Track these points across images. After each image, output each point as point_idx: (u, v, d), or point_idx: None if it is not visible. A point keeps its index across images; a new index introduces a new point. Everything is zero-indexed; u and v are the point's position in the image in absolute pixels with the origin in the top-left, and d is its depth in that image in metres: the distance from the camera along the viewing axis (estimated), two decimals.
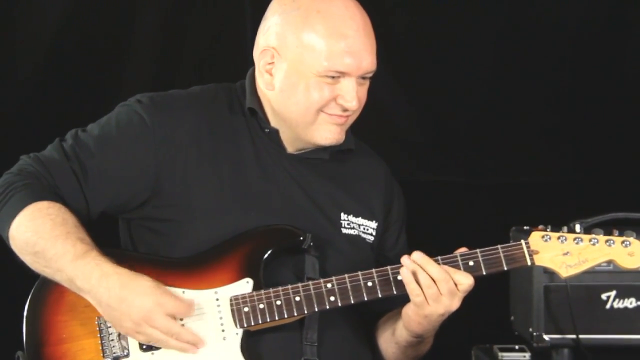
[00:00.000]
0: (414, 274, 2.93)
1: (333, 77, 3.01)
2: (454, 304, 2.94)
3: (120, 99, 3.14)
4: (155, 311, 2.88)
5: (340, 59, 2.99)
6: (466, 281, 2.94)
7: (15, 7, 4.48)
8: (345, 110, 3.05)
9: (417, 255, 2.96)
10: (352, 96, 3.02)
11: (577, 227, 3.03)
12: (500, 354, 3.94)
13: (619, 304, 3.83)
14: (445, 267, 2.95)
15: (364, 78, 3.06)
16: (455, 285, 2.93)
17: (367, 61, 3.03)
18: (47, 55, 4.53)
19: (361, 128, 3.21)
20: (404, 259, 2.95)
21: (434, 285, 2.93)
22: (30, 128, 4.36)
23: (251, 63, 3.14)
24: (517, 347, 3.96)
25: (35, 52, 4.52)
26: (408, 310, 2.99)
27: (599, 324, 3.84)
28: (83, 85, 4.52)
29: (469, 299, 3.01)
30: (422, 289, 2.93)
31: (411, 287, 2.94)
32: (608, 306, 3.84)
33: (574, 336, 3.82)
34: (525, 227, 3.56)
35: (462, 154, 4.77)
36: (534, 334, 3.86)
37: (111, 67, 4.56)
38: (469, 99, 4.74)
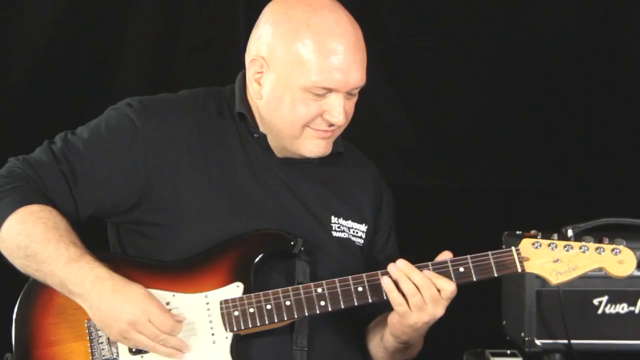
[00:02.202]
0: (396, 283, 2.92)
1: (320, 94, 2.99)
2: (438, 311, 2.93)
3: (112, 102, 3.13)
4: (143, 318, 2.87)
5: (328, 75, 2.96)
6: (448, 287, 2.92)
7: (7, 9, 4.47)
8: (331, 125, 3.03)
9: (402, 263, 2.95)
10: (339, 112, 3.00)
11: (570, 232, 3.02)
12: (492, 358, 3.93)
13: (610, 310, 3.82)
14: (428, 272, 2.93)
15: (351, 93, 3.03)
16: (439, 291, 2.92)
17: (356, 77, 3.00)
18: (38, 58, 4.52)
19: (355, 133, 3.20)
20: (391, 267, 2.95)
21: (418, 294, 2.91)
22: (21, 130, 4.35)
23: (244, 66, 3.13)
24: (509, 352, 3.95)
25: (27, 54, 4.51)
26: (392, 319, 2.97)
27: (591, 329, 3.83)
28: (74, 89, 4.51)
29: (461, 304, 3.01)
30: (405, 298, 2.92)
31: (393, 296, 2.93)
32: (600, 311, 3.83)
33: (565, 341, 3.81)
34: (517, 232, 3.55)
35: (456, 159, 4.76)
36: (526, 338, 3.85)
37: (103, 69, 4.55)
38: (462, 104, 4.74)
